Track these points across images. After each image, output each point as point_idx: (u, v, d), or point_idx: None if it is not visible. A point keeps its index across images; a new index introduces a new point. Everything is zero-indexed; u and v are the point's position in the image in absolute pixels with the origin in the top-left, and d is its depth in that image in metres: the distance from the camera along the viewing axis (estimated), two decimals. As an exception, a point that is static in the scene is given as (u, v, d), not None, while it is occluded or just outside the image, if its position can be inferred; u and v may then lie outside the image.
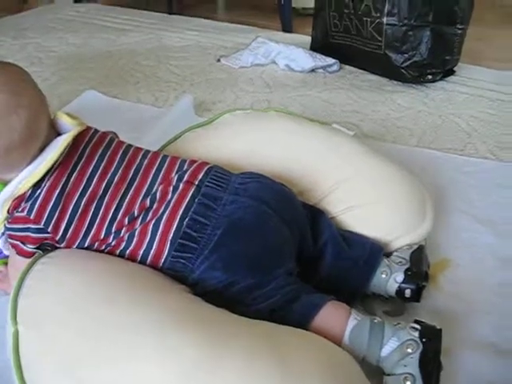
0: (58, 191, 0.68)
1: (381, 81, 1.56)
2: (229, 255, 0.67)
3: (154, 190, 0.71)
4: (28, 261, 0.69)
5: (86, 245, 0.69)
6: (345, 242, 0.79)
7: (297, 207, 0.78)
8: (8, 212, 0.69)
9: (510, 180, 1.08)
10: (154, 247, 0.68)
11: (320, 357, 0.58)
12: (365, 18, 1.49)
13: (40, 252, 0.70)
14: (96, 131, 0.77)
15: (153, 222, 0.68)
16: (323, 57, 1.63)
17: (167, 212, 0.68)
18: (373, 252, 0.78)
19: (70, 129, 0.73)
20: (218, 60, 1.71)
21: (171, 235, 0.67)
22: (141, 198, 0.70)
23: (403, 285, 0.73)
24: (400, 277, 0.73)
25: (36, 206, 0.67)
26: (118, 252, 0.69)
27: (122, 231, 0.68)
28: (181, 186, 0.70)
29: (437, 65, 1.48)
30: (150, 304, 0.61)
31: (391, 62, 1.48)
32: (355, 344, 0.64)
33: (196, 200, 0.69)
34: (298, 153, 0.89)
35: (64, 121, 0.74)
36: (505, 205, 1.01)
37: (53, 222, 0.68)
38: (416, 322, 0.65)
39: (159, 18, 2.20)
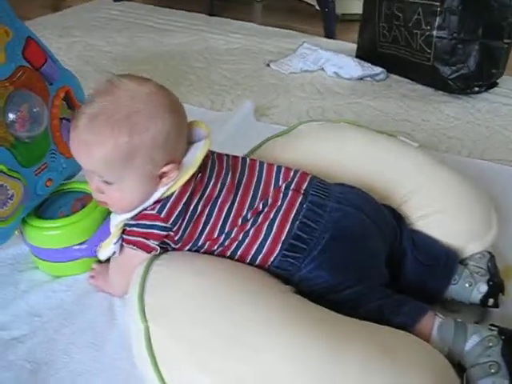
0: (187, 195, 0.74)
1: (426, 91, 1.61)
2: (336, 258, 0.74)
3: (259, 194, 0.77)
4: (142, 257, 0.75)
5: (199, 244, 0.76)
6: (421, 247, 0.85)
7: (386, 216, 0.84)
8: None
9: None
10: (266, 246, 0.75)
11: (425, 359, 0.65)
12: (415, 31, 1.55)
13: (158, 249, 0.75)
14: None
15: (266, 223, 0.75)
16: (371, 65, 1.68)
17: (279, 215, 0.75)
18: (449, 259, 0.84)
19: (202, 135, 0.79)
20: (268, 65, 1.76)
21: (284, 236, 0.74)
22: (249, 200, 0.77)
23: (487, 295, 0.80)
24: (483, 287, 0.80)
25: (167, 206, 0.74)
26: (230, 251, 0.75)
27: (234, 231, 0.75)
28: (289, 193, 0.77)
29: (483, 78, 1.54)
30: (265, 303, 0.67)
31: (439, 74, 1.54)
32: (442, 340, 0.71)
33: (304, 206, 0.76)
34: (371, 163, 0.95)
35: (199, 129, 0.80)
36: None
37: (179, 222, 0.74)
38: (491, 325, 0.73)
39: (201, 19, 2.24)
